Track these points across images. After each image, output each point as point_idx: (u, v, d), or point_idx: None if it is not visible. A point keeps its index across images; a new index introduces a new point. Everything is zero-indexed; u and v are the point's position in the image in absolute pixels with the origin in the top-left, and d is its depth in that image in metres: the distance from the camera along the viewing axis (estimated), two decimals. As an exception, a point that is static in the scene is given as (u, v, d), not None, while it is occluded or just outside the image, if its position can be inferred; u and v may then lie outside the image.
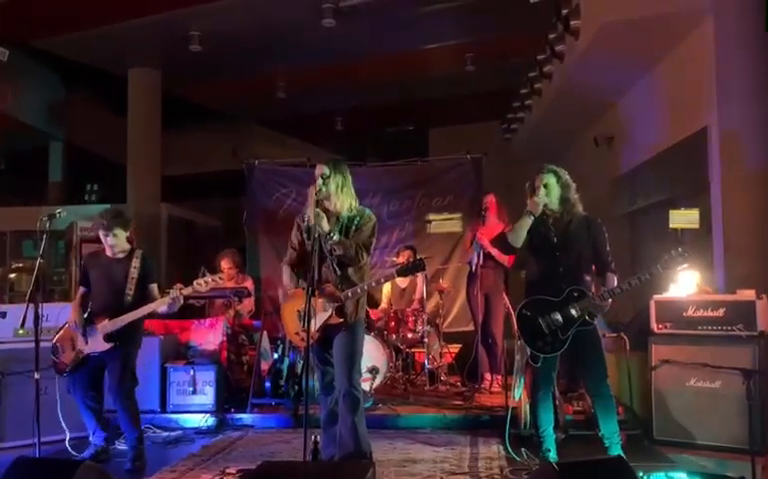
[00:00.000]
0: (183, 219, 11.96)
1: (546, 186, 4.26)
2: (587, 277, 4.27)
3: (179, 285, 4.69)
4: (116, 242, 4.78)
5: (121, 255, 4.83)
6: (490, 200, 6.79)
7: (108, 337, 4.65)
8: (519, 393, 4.94)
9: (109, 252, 4.84)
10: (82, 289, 4.94)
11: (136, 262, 4.81)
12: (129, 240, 4.87)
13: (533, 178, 4.34)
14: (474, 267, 6.56)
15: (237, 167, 9.30)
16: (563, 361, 4.34)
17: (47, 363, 4.70)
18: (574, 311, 4.09)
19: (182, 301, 4.72)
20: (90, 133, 12.02)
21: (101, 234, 4.80)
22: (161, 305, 4.71)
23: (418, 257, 4.25)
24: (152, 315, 4.97)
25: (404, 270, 4.19)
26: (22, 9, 8.10)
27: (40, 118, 10.89)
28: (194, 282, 4.69)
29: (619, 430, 4.25)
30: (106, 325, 4.65)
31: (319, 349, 4.22)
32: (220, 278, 4.85)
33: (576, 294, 4.13)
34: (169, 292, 4.67)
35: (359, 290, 4.11)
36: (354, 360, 4.15)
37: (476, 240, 6.55)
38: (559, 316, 4.11)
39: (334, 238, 4.05)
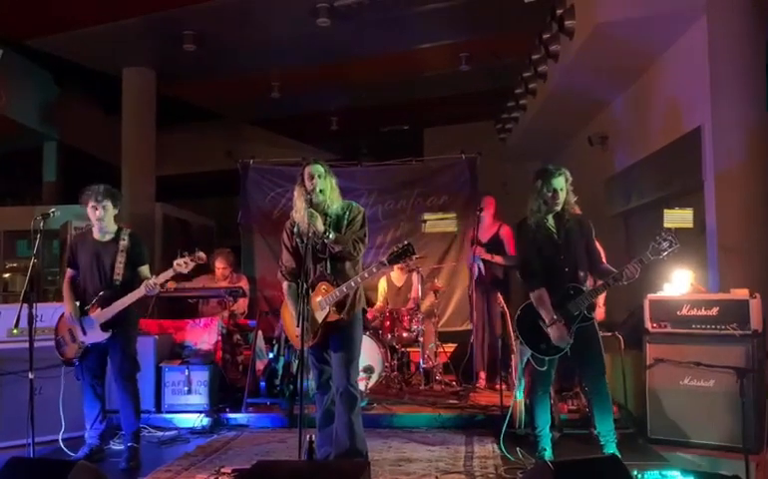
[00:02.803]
0: (177, 218, 11.93)
1: (561, 189, 4.23)
2: (581, 274, 4.29)
3: (152, 280, 4.62)
4: (104, 215, 4.73)
5: (108, 238, 4.80)
6: (488, 200, 6.88)
7: (105, 326, 4.65)
8: (520, 394, 4.94)
9: (96, 233, 4.81)
10: (70, 272, 4.88)
11: (123, 244, 4.76)
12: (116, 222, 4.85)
13: (539, 178, 4.28)
14: (477, 277, 6.75)
15: (232, 166, 9.31)
16: (558, 360, 4.34)
17: (41, 363, 4.66)
18: (573, 309, 4.10)
19: (157, 288, 4.62)
20: (84, 133, 11.99)
21: (90, 205, 4.73)
22: (141, 293, 4.64)
23: (405, 242, 4.10)
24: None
25: (394, 257, 4.11)
26: (15, 8, 8.06)
27: (34, 118, 10.84)
28: (174, 263, 4.62)
29: (615, 429, 4.27)
30: (99, 315, 4.64)
31: (318, 348, 4.21)
32: (200, 258, 4.72)
33: (572, 292, 4.14)
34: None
35: (353, 284, 4.09)
36: (353, 358, 4.16)
37: (475, 256, 6.71)
38: (560, 316, 4.12)
39: (331, 236, 4.05)
